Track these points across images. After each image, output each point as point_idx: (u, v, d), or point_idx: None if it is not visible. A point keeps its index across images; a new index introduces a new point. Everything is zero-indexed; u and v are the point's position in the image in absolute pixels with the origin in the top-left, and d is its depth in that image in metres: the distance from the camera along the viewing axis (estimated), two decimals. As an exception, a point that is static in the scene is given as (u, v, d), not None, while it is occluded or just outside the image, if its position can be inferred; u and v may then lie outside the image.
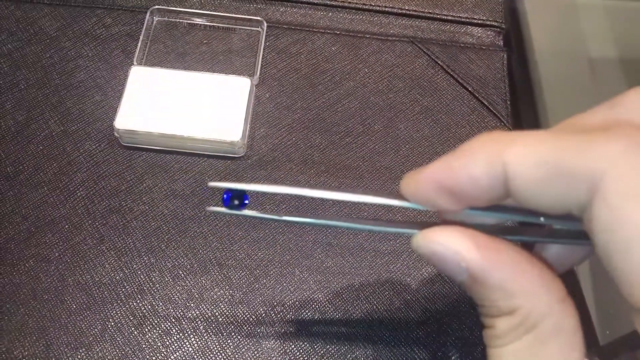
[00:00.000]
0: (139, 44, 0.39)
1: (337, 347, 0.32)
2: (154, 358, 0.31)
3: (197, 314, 0.32)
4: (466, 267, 0.18)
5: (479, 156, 0.18)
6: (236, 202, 0.21)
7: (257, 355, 0.31)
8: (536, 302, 0.18)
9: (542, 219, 0.20)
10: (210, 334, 0.32)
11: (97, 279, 0.33)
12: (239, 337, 0.32)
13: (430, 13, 0.43)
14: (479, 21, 0.44)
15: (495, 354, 0.19)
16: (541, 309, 0.18)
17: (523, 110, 0.55)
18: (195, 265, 0.33)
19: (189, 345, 0.31)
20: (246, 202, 0.22)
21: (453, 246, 0.19)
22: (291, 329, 0.32)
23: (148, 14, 0.41)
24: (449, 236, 0.19)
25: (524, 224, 0.21)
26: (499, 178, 0.17)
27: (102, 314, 0.32)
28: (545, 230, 0.22)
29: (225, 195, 0.21)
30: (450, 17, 0.43)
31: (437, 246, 0.19)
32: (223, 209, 0.21)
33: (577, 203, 0.16)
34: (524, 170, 0.17)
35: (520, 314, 0.18)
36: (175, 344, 0.31)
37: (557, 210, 0.17)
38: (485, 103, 0.40)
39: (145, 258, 0.33)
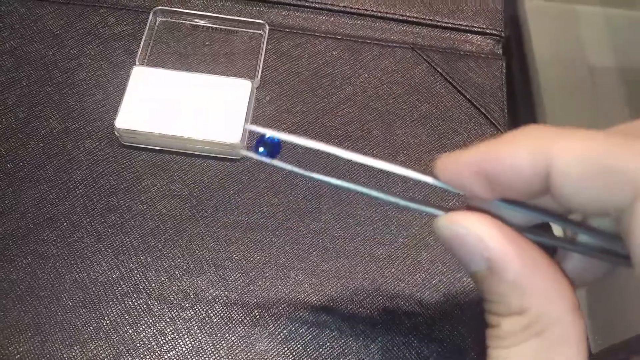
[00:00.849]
0: (142, 44, 0.40)
1: (330, 351, 0.32)
2: (147, 357, 0.31)
3: (191, 314, 0.32)
4: (487, 256, 0.18)
5: (525, 146, 0.17)
6: (267, 150, 0.21)
7: (251, 356, 0.32)
8: (549, 305, 0.18)
9: (569, 228, 0.20)
10: (205, 334, 0.32)
11: (93, 277, 0.33)
12: (232, 338, 0.32)
13: (430, 20, 0.44)
14: (479, 29, 0.44)
15: (497, 355, 0.19)
16: (552, 313, 0.18)
17: (523, 116, 0.56)
18: (191, 265, 0.34)
19: (182, 345, 0.32)
20: (278, 151, 0.22)
21: (477, 232, 0.18)
22: (285, 332, 0.32)
23: (151, 14, 0.41)
24: (475, 221, 0.18)
25: (548, 228, 0.21)
26: (541, 170, 0.17)
27: (97, 312, 0.32)
28: (569, 239, 0.21)
29: (257, 142, 0.21)
30: (450, 25, 0.44)
31: (461, 229, 0.19)
32: (254, 154, 0.21)
33: (618, 204, 0.16)
34: (570, 164, 0.16)
35: (529, 315, 0.18)
36: (170, 344, 0.32)
37: (595, 210, 0.17)
38: (483, 111, 0.41)
39: (141, 257, 0.34)
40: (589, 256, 0.21)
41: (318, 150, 0.20)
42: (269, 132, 0.21)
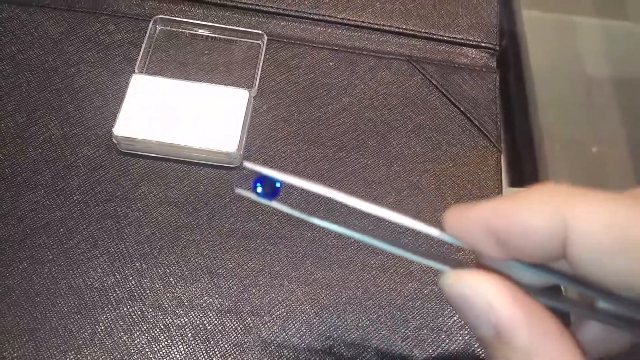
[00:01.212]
0: (141, 52, 0.40)
1: (322, 359, 0.33)
2: (141, 363, 0.32)
3: (185, 322, 0.33)
4: (495, 322, 0.17)
5: (540, 206, 0.16)
6: (266, 190, 0.20)
7: (243, 363, 0.32)
8: None
9: (590, 292, 0.18)
10: (198, 341, 0.32)
11: (89, 283, 0.33)
12: (226, 345, 0.32)
13: (426, 33, 0.44)
14: (474, 42, 0.44)
15: None
16: None
17: (519, 128, 0.56)
18: (186, 272, 0.34)
19: (176, 352, 0.32)
20: (277, 193, 0.20)
21: (487, 295, 0.17)
22: (278, 340, 0.33)
23: (151, 22, 0.42)
24: (483, 282, 0.17)
25: (563, 292, 0.19)
26: (558, 235, 0.16)
27: (92, 318, 0.32)
28: (586, 304, 0.19)
29: (256, 182, 0.20)
30: (445, 38, 0.44)
31: (469, 290, 0.17)
32: (251, 195, 0.20)
33: None
34: (591, 232, 0.15)
35: None
36: (163, 350, 0.32)
37: (616, 284, 0.15)
38: (476, 123, 0.41)
39: (137, 264, 0.34)
40: (608, 324, 0.19)
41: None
42: (270, 173, 0.20)
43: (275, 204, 0.20)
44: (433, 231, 0.19)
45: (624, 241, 0.15)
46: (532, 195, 0.17)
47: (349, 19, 0.44)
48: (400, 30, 0.44)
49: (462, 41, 0.45)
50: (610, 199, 0.15)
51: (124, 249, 0.34)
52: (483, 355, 0.34)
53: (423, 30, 0.44)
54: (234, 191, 0.37)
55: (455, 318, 0.35)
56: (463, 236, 0.18)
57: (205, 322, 0.33)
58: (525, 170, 0.54)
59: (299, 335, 0.33)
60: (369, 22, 0.44)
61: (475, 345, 0.34)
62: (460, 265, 0.18)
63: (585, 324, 0.20)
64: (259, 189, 0.20)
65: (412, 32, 0.44)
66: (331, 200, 0.20)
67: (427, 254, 0.20)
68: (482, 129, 0.41)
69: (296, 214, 0.20)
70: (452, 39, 0.44)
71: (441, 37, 0.44)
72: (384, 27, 0.44)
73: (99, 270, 0.34)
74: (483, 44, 0.45)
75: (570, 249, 0.16)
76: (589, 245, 0.15)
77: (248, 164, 0.20)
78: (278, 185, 0.20)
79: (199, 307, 0.33)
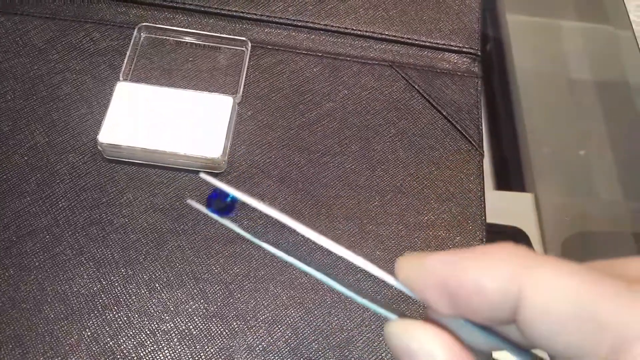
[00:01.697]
0: (126, 60, 0.41)
1: (307, 362, 0.33)
2: (128, 368, 0.32)
3: (171, 327, 0.33)
4: None
5: (496, 268, 0.16)
6: (217, 208, 0.20)
7: (229, 367, 0.32)
8: None
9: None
10: (184, 346, 0.33)
11: (75, 289, 0.33)
12: (212, 350, 0.33)
13: (409, 39, 0.45)
14: (456, 48, 0.45)
15: None
16: None
17: (504, 130, 0.57)
18: (171, 278, 0.34)
19: (162, 358, 0.32)
20: (232, 211, 0.20)
21: (430, 348, 0.17)
22: (263, 344, 0.33)
23: (136, 30, 0.42)
24: (430, 338, 0.17)
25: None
26: (510, 299, 0.15)
27: (78, 324, 0.33)
28: None
29: (211, 196, 0.20)
30: (428, 43, 0.45)
31: (413, 343, 0.17)
32: (203, 208, 0.19)
33: (595, 354, 0.14)
34: (544, 302, 0.15)
35: None
36: (150, 356, 0.32)
37: (568, 355, 0.15)
38: (459, 127, 0.42)
39: (122, 270, 0.34)
40: None
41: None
42: (225, 188, 0.19)
43: (226, 222, 0.19)
44: (388, 278, 0.18)
45: (578, 314, 0.14)
46: (489, 254, 0.16)
47: (332, 26, 0.45)
48: (383, 36, 0.45)
49: (444, 47, 0.45)
50: (569, 270, 0.15)
51: (109, 255, 0.35)
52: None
53: (405, 36, 0.45)
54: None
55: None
56: (414, 287, 0.17)
57: (191, 327, 0.33)
58: (511, 174, 0.55)
59: (284, 339, 0.33)
60: (352, 29, 0.45)
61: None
62: (405, 316, 0.18)
63: None
64: (212, 205, 0.20)
65: (395, 38, 0.45)
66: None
67: (374, 299, 0.19)
68: (464, 132, 0.42)
69: (247, 235, 0.19)
70: (434, 45, 0.45)
71: (423, 43, 0.45)
72: (367, 33, 0.45)
73: (85, 276, 0.34)
74: (465, 49, 0.45)
75: (521, 315, 0.15)
76: (540, 315, 0.15)
77: (204, 176, 0.19)
78: (230, 201, 0.20)
79: (185, 312, 0.33)
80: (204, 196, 0.37)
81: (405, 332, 0.17)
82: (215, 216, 0.19)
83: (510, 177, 0.55)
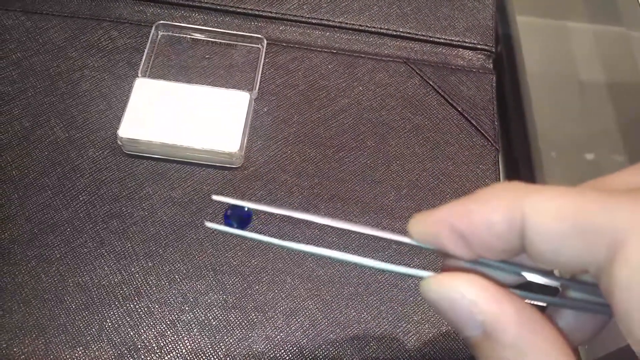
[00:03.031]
0: (144, 57, 0.41)
1: (325, 354, 0.33)
2: (148, 358, 0.32)
3: (191, 317, 0.33)
4: (482, 320, 0.17)
5: (497, 202, 0.17)
6: (236, 222, 0.21)
7: (248, 358, 0.33)
8: None
9: (558, 282, 0.19)
10: (204, 336, 0.33)
11: (96, 281, 0.34)
12: (230, 340, 0.33)
13: (423, 36, 0.45)
14: (470, 45, 0.45)
15: None
16: None
17: (514, 130, 0.57)
18: (190, 270, 0.35)
19: (182, 347, 0.32)
20: (248, 223, 0.21)
21: (470, 295, 0.17)
22: (281, 335, 0.33)
23: (153, 28, 0.42)
24: (466, 283, 0.17)
25: (534, 285, 0.20)
26: (516, 227, 0.16)
27: (100, 315, 0.33)
28: (559, 296, 0.20)
29: (227, 213, 0.20)
30: (442, 40, 0.45)
31: (452, 293, 0.17)
32: (221, 227, 0.20)
33: (595, 261, 0.16)
34: (543, 222, 0.16)
35: None
36: (170, 346, 0.32)
37: (573, 268, 0.16)
38: (474, 123, 0.42)
39: (143, 262, 0.35)
40: (581, 311, 0.20)
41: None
42: (238, 203, 0.20)
43: (248, 234, 0.20)
44: (404, 239, 0.19)
45: (573, 228, 0.16)
46: (490, 192, 0.17)
47: (346, 23, 0.45)
48: (398, 33, 0.45)
49: (459, 43, 0.46)
50: (563, 190, 0.16)
51: (130, 248, 0.35)
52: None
53: (420, 33, 0.45)
54: (236, 190, 0.38)
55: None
56: (430, 239, 0.18)
57: (210, 317, 0.33)
58: (522, 176, 0.55)
59: (302, 330, 0.34)
60: (367, 26, 0.45)
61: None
62: (436, 271, 0.19)
63: (560, 314, 0.20)
64: (233, 222, 0.20)
65: (410, 35, 0.45)
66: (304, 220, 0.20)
67: (404, 265, 0.21)
68: (479, 128, 0.42)
69: (270, 240, 0.20)
70: (448, 41, 0.45)
71: (438, 40, 0.45)
72: (382, 30, 0.45)
73: (106, 268, 0.34)
74: (479, 46, 0.46)
75: (527, 240, 0.16)
76: (542, 234, 0.16)
77: (217, 198, 0.20)
78: (247, 215, 0.20)
79: (204, 304, 0.34)
80: (222, 189, 0.38)
81: (441, 285, 0.18)
82: (237, 232, 0.20)
83: (521, 177, 0.55)
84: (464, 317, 0.17)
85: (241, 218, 0.21)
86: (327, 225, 0.20)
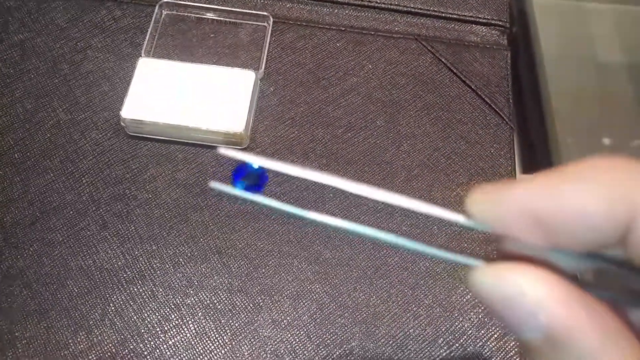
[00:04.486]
0: (147, 36, 0.40)
1: (333, 337, 0.32)
2: (152, 343, 0.31)
3: (195, 301, 0.33)
4: (547, 324, 0.14)
5: (597, 186, 0.14)
6: (249, 183, 0.17)
7: (254, 342, 0.32)
8: None
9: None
10: (209, 320, 0.32)
11: (99, 264, 0.33)
12: (236, 324, 0.32)
13: (435, 11, 0.44)
14: (484, 20, 0.44)
15: None
16: None
17: (530, 112, 0.55)
18: (195, 253, 0.34)
19: (187, 331, 0.32)
20: (263, 185, 0.17)
21: (534, 293, 0.14)
22: (288, 318, 0.33)
23: (157, 7, 0.41)
24: (530, 278, 0.14)
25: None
26: (620, 221, 0.13)
27: (102, 299, 0.32)
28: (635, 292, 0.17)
29: (236, 174, 0.17)
30: (455, 16, 0.44)
31: (512, 289, 0.14)
32: (230, 189, 0.16)
33: None
34: None
35: None
36: (174, 330, 0.32)
37: None
38: (488, 101, 0.40)
39: (146, 245, 0.34)
40: None
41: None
42: (251, 159, 0.16)
43: (260, 198, 0.16)
44: (457, 217, 0.16)
45: None
46: (586, 172, 0.14)
47: (355, -1, 0.44)
48: (409, 9, 0.44)
49: (472, 19, 0.44)
50: None
51: (133, 231, 0.34)
52: (498, 333, 0.33)
53: (432, 8, 0.44)
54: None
55: (468, 296, 0.34)
56: (495, 221, 0.15)
57: (215, 301, 0.33)
58: (537, 157, 0.53)
59: (309, 314, 0.33)
60: (376, 2, 0.44)
61: (490, 324, 0.34)
62: (492, 259, 0.15)
63: (631, 310, 0.17)
64: (241, 181, 0.17)
65: (421, 11, 0.44)
66: (331, 188, 0.16)
67: (449, 249, 0.17)
68: (493, 106, 0.40)
69: (289, 209, 0.16)
70: (461, 17, 0.44)
71: (450, 15, 0.44)
72: (392, 6, 0.44)
73: (109, 251, 0.34)
74: (493, 22, 0.44)
75: (636, 237, 0.13)
76: None
77: (223, 150, 0.16)
78: (260, 171, 0.16)
79: (209, 287, 0.33)
80: (227, 171, 0.37)
81: (499, 279, 0.15)
82: (247, 195, 0.16)
83: (537, 160, 0.53)
84: (524, 318, 0.14)
85: (255, 178, 0.17)
86: (339, 200, 0.17)
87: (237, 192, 0.16)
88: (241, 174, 0.17)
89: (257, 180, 0.17)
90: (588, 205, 0.13)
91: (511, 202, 0.15)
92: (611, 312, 0.14)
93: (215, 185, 0.16)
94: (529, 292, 0.14)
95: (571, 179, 0.14)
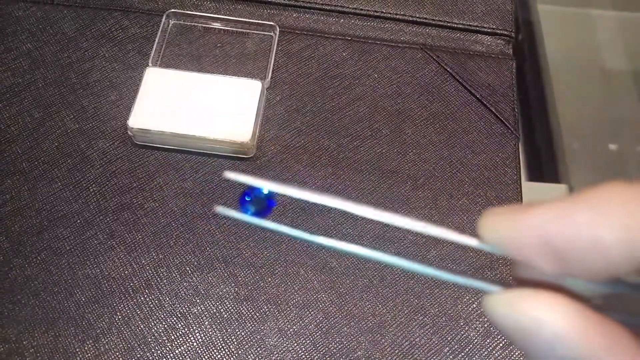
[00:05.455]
0: (155, 46, 0.40)
1: (339, 347, 0.32)
2: (159, 351, 0.32)
3: (202, 310, 0.33)
4: (563, 356, 0.13)
5: (615, 215, 0.13)
6: (256, 209, 0.17)
7: (260, 351, 0.32)
8: None
9: None
10: (215, 329, 0.32)
11: (106, 273, 0.33)
12: (242, 333, 0.32)
13: (440, 21, 0.44)
14: (489, 30, 0.44)
15: None
16: None
17: (535, 119, 0.56)
18: (202, 262, 0.34)
19: (193, 340, 0.32)
20: (269, 211, 0.17)
21: (552, 324, 0.13)
22: (294, 327, 0.33)
23: (164, 17, 0.42)
24: (546, 308, 0.13)
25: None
26: (637, 250, 0.13)
27: (110, 307, 0.32)
28: None
29: (243, 199, 0.17)
30: (460, 25, 0.44)
31: (529, 320, 0.14)
32: (238, 215, 0.16)
33: None
34: None
35: None
36: (181, 339, 0.32)
37: None
38: (493, 110, 0.41)
39: (153, 254, 0.34)
40: None
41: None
42: (258, 184, 0.16)
43: (269, 224, 0.16)
44: (469, 241, 0.15)
45: None
46: (604, 198, 0.13)
47: (361, 9, 0.44)
48: (414, 18, 0.44)
49: (477, 28, 0.44)
50: None
51: (140, 240, 0.34)
52: (504, 342, 0.33)
53: (437, 18, 0.44)
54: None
55: (474, 305, 0.34)
56: (509, 246, 0.14)
57: (222, 310, 0.33)
58: (543, 165, 0.53)
59: (315, 323, 0.33)
60: (382, 12, 0.44)
61: (495, 333, 0.34)
62: (509, 285, 0.15)
63: None
64: (250, 209, 0.16)
65: (426, 21, 0.44)
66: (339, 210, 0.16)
67: (464, 273, 0.17)
68: (499, 115, 0.41)
69: (298, 234, 0.16)
70: (466, 27, 0.44)
71: (456, 25, 0.44)
72: (397, 16, 0.44)
73: (116, 260, 0.34)
74: (499, 31, 0.44)
75: None
76: None
77: (230, 175, 0.16)
78: (268, 196, 0.16)
79: (216, 296, 0.33)
80: (234, 184, 0.37)
81: (515, 310, 0.14)
82: (255, 220, 0.16)
83: (543, 168, 0.53)
84: (542, 349, 0.14)
85: (263, 204, 0.17)
86: (343, 214, 0.17)
87: (245, 217, 0.16)
88: (249, 197, 0.17)
89: (265, 205, 0.17)
90: (603, 235, 0.13)
91: (524, 229, 0.14)
92: (629, 335, 0.14)
93: (221, 210, 0.16)
94: (546, 323, 0.13)
95: (590, 206, 0.13)
